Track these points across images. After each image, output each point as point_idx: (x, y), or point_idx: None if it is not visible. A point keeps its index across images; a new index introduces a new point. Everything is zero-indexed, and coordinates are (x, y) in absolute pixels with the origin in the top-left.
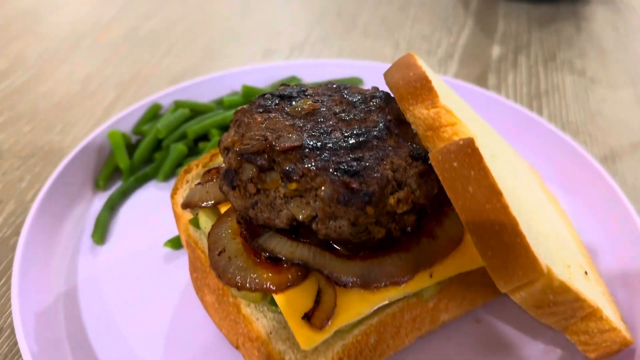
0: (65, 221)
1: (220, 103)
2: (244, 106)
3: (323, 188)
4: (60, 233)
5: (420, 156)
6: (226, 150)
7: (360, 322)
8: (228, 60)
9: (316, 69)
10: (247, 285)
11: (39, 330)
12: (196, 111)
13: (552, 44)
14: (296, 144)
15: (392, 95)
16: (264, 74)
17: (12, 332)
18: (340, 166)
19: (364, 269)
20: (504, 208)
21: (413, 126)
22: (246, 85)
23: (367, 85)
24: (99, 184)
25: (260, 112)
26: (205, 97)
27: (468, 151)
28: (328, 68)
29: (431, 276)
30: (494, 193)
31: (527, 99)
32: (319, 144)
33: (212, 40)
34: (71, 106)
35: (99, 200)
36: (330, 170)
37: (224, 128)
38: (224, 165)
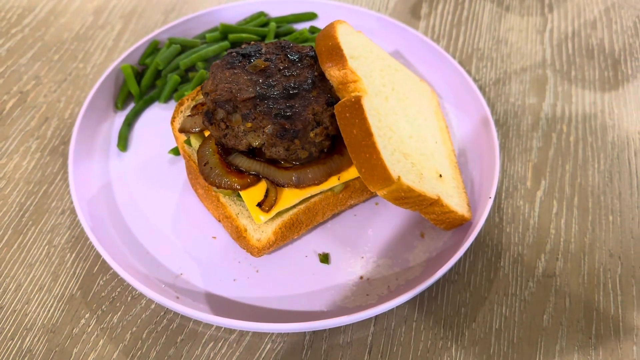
0: (97, 135)
1: (203, 38)
2: (218, 61)
3: (267, 127)
4: (95, 144)
5: (333, 103)
6: (206, 94)
7: (293, 207)
8: None
9: (280, 5)
10: (223, 185)
11: (90, 212)
12: (185, 46)
13: None
14: (251, 95)
15: None
16: (237, 10)
17: (72, 212)
18: (279, 112)
19: (295, 176)
20: (373, 144)
21: (330, 81)
22: (223, 23)
23: (320, 18)
24: (118, 106)
25: (228, 68)
26: (191, 31)
27: (356, 106)
28: (289, 5)
29: (339, 179)
30: (368, 134)
31: (449, 27)
32: (266, 95)
33: None
34: (87, 37)
35: (119, 118)
36: (272, 115)
37: (207, 60)
38: (205, 103)
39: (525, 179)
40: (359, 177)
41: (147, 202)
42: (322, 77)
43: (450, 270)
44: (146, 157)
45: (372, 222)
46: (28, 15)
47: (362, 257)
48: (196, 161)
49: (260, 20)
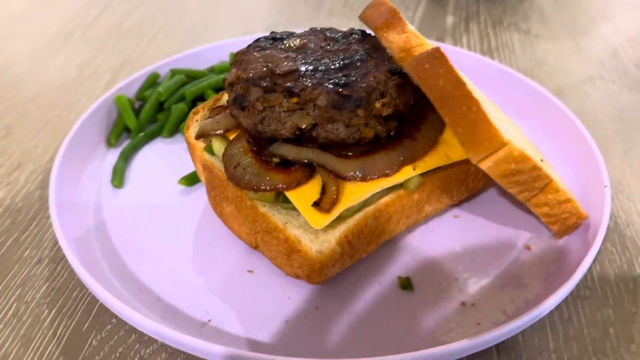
0: (84, 171)
1: (212, 70)
2: (242, 49)
3: (320, 98)
4: (81, 181)
5: (397, 72)
6: (231, 85)
7: (359, 209)
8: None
9: None
10: (262, 187)
11: (79, 253)
12: (191, 77)
13: (498, 12)
14: (293, 68)
15: (367, 32)
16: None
17: (53, 260)
18: (333, 80)
19: (359, 166)
20: (468, 93)
21: (388, 50)
22: (234, 53)
23: None
24: (111, 142)
25: (258, 50)
26: (197, 67)
27: (436, 55)
28: None
29: (414, 169)
30: (459, 83)
31: (480, 54)
32: (311, 67)
33: (191, 30)
34: (71, 88)
35: (112, 155)
36: (325, 84)
37: (218, 89)
38: (228, 102)
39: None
40: (438, 168)
41: (154, 241)
42: (376, 49)
43: (577, 284)
44: (149, 192)
45: (457, 237)
46: (3, 73)
47: (457, 279)
48: (221, 169)
49: None
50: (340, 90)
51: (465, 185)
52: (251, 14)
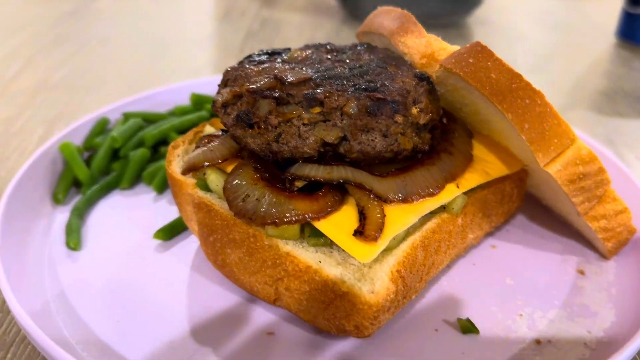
0: (29, 235)
1: (172, 113)
2: (232, 66)
3: (349, 105)
4: (26, 246)
5: (424, 77)
6: (224, 107)
7: (405, 238)
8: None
9: None
10: (286, 219)
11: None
12: (149, 121)
13: None
14: (307, 76)
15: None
16: (210, 86)
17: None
18: (359, 86)
19: (399, 185)
20: (528, 84)
21: (407, 56)
22: (195, 93)
23: None
24: (58, 198)
25: (255, 65)
26: (152, 110)
27: (478, 49)
28: None
29: (458, 187)
30: (515, 75)
31: None
32: (328, 75)
33: (133, 81)
34: None
35: (61, 215)
36: (351, 90)
37: (183, 131)
38: (216, 131)
39: None
40: (477, 187)
41: (135, 307)
42: (390, 57)
43: None
44: (117, 251)
45: (503, 269)
46: None
47: (521, 315)
48: (224, 206)
49: None
50: (372, 94)
51: (502, 208)
52: (197, 62)
